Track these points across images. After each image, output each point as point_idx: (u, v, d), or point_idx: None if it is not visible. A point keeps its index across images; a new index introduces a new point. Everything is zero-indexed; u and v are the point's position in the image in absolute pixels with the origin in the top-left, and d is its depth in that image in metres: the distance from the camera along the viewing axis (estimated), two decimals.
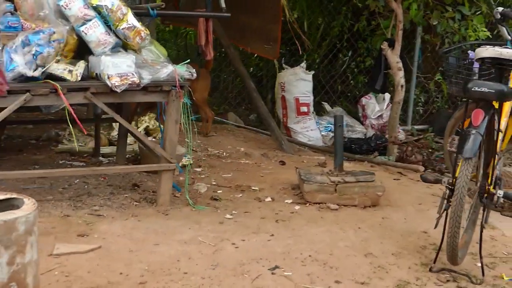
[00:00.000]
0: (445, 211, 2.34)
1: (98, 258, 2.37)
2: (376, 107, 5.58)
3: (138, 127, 4.49)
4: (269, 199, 3.46)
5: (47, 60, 2.65)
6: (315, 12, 5.95)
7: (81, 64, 2.86)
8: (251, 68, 6.44)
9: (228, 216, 3.08)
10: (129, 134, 3.74)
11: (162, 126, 3.35)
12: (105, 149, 4.19)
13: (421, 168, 4.39)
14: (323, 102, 5.88)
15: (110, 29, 2.89)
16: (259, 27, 5.02)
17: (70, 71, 2.81)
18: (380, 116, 5.54)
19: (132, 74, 2.77)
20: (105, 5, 2.85)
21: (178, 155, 3.91)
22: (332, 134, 4.87)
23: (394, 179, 4.18)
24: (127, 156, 3.98)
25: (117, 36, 2.93)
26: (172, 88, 2.96)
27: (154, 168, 3.21)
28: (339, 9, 5.85)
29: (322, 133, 5.23)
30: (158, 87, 2.95)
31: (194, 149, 4.56)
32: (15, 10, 2.99)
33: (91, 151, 4.11)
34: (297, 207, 3.33)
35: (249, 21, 5.12)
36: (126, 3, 3.04)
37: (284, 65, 5.27)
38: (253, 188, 3.67)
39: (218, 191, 3.58)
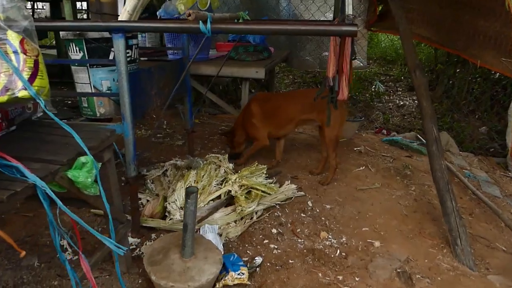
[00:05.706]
0: None
1: None
2: None
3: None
4: None
5: None
6: None
7: None
8: (497, 74, 5.28)
9: None
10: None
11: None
12: (151, 222, 2.86)
13: None
14: None
15: None
16: (494, 34, 3.39)
17: None
18: None
19: None
20: None
21: (207, 283, 2.21)
22: None
23: None
24: None
25: None
26: None
27: None
28: None
29: None
30: None
31: (296, 235, 2.89)
32: None
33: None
34: None
35: (479, 26, 3.51)
36: None
37: None
38: None
39: None
